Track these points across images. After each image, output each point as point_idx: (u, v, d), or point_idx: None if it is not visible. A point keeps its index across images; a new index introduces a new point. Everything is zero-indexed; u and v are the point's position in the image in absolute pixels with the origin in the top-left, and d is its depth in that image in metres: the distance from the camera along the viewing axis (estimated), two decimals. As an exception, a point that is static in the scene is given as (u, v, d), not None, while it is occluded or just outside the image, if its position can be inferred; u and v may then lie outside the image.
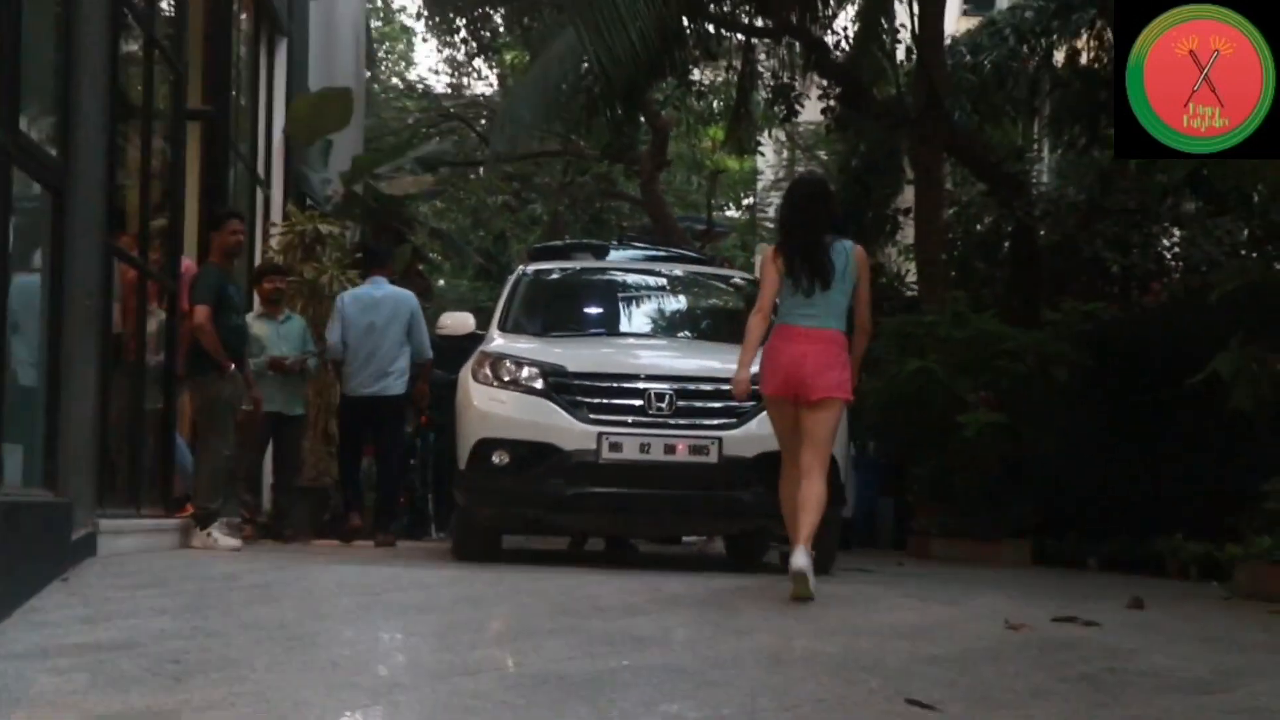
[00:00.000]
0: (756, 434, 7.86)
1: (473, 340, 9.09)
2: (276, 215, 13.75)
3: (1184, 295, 14.03)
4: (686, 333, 9.76)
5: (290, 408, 10.77)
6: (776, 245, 6.92)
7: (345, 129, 14.80)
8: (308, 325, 11.27)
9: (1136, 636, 5.35)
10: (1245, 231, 13.98)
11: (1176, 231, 15.05)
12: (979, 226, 17.25)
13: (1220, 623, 6.00)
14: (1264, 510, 7.61)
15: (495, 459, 8.00)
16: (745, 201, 31.14)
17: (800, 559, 6.13)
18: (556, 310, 10.03)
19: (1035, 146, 18.99)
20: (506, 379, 8.16)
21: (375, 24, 29.36)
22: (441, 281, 28.27)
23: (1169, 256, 15.10)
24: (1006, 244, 16.35)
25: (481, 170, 23.90)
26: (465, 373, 8.50)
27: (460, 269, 28.09)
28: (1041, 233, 15.43)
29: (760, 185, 29.10)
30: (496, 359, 8.29)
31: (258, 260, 12.73)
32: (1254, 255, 12.87)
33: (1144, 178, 14.33)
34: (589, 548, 11.49)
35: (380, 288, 10.78)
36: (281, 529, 10.68)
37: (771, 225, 27.90)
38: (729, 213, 31.04)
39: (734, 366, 8.25)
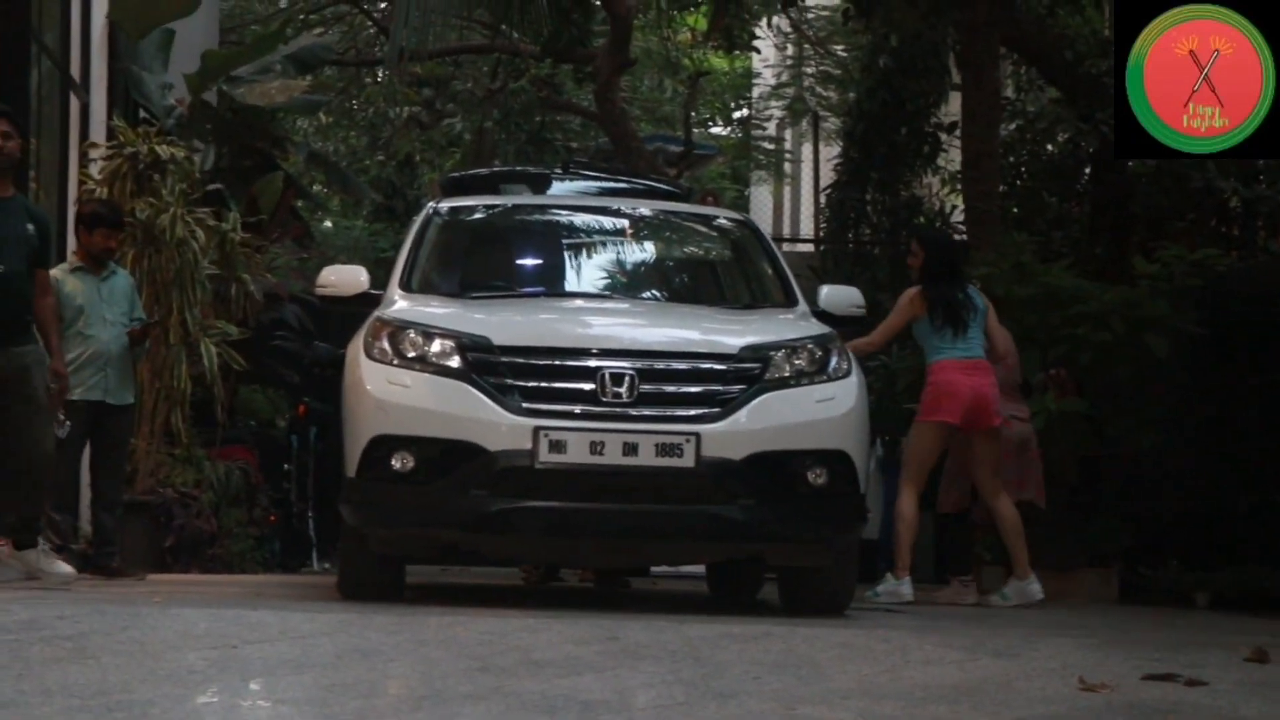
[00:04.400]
0: (746, 428, 7.86)
1: (366, 303, 9.06)
2: (99, 133, 13.67)
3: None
4: (654, 293, 9.75)
5: (118, 395, 10.72)
6: (920, 291, 10.47)
7: (192, 15, 14.72)
8: (135, 284, 11.25)
9: (1258, 700, 5.37)
10: None
11: (1318, 153, 15.11)
12: (1050, 147, 17.28)
13: (1369, 679, 6.03)
14: None
15: (396, 463, 7.97)
16: (736, 114, 31.13)
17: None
18: (479, 262, 9.98)
19: (1126, 39, 18.98)
20: (411, 355, 8.13)
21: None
22: (327, 224, 28.19)
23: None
24: (1086, 171, 16.38)
25: (381, 72, 23.80)
26: (355, 347, 8.47)
27: (352, 206, 28.00)
28: (1134, 155, 15.44)
29: (756, 93, 29.09)
30: (398, 329, 8.27)
31: (72, 194, 12.64)
32: None
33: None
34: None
35: None
36: (106, 559, 10.64)
37: (770, 145, 27.95)
38: (714, 129, 31.02)
39: (718, 337, 8.32)
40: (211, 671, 5.40)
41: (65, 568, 9.37)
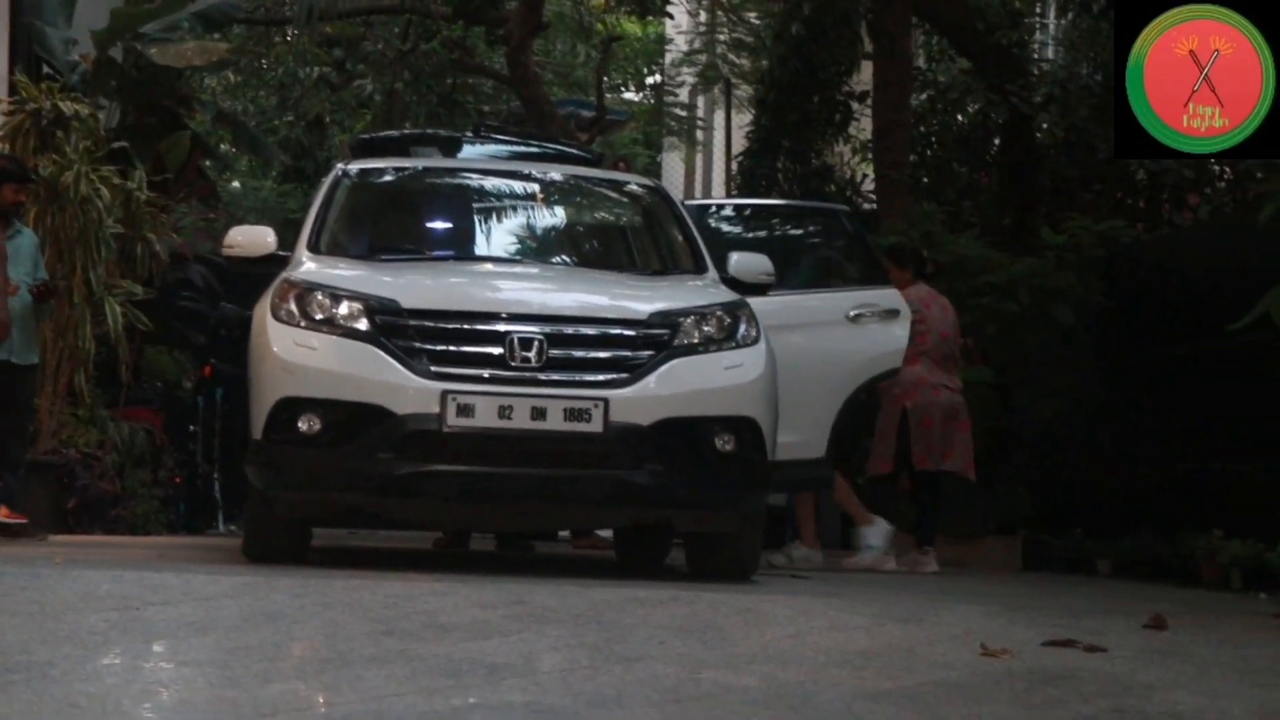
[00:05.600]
0: (655, 394, 7.88)
1: (274, 264, 9.01)
2: (0, 88, 13.52)
3: (1231, 212, 14.27)
4: (565, 258, 9.76)
5: (22, 354, 10.63)
6: None
7: (98, -29, 14.58)
8: (39, 243, 11.17)
9: (1155, 667, 5.44)
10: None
11: (1222, 126, 15.27)
12: (960, 117, 17.39)
13: (1267, 649, 6.13)
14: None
15: (302, 425, 7.94)
16: (649, 80, 31.11)
17: None
18: (388, 225, 9.95)
19: (1037, 9, 19.12)
20: (318, 317, 8.10)
21: None
22: (235, 184, 27.98)
23: (1212, 159, 15.31)
24: (996, 141, 16.48)
25: (290, 32, 23.63)
26: (262, 309, 8.43)
27: (261, 167, 27.81)
28: (1044, 126, 15.57)
29: (669, 59, 29.08)
30: (305, 290, 8.23)
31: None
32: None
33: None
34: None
35: None
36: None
37: (682, 112, 27.94)
38: (627, 95, 30.99)
39: (628, 303, 8.34)
40: (113, 633, 5.38)
41: None
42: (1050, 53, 18.96)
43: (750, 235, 11.00)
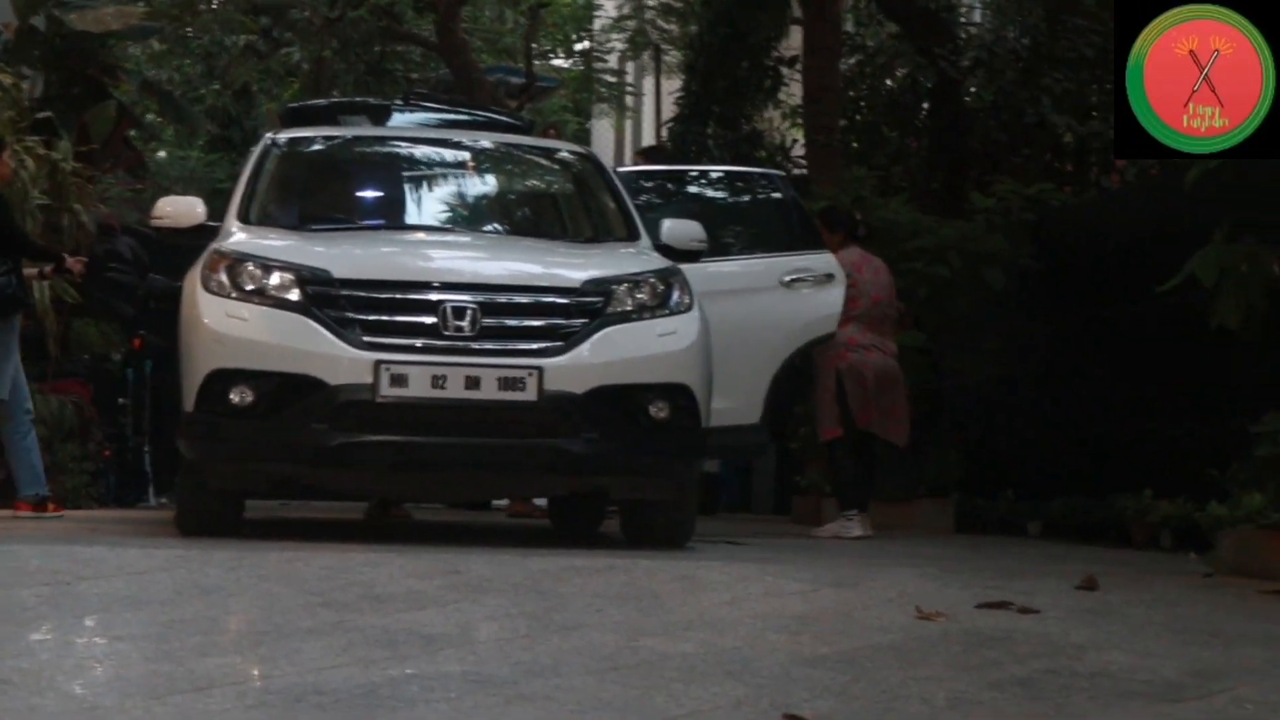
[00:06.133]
0: (589, 362, 7.89)
1: (203, 235, 8.96)
2: (-78, 60, 13.40)
3: (1159, 175, 14.35)
4: (496, 226, 9.74)
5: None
6: None
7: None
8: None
9: (1088, 627, 5.49)
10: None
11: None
12: (888, 82, 17.42)
13: (1197, 607, 6.19)
14: (1256, 459, 7.84)
15: (234, 397, 7.92)
16: (578, 47, 31.05)
17: None
18: (318, 194, 9.91)
19: (964, -26, 19.13)
20: (249, 288, 8.07)
21: None
22: (162, 154, 27.82)
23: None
24: (925, 105, 16.53)
25: (215, -1, 23.47)
26: (193, 280, 8.39)
27: (187, 136, 27.64)
28: (972, 90, 15.62)
29: (597, 25, 29.02)
30: (236, 261, 8.20)
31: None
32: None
33: (1106, 16, 14.56)
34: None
35: None
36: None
37: (611, 78, 27.93)
38: (556, 61, 30.92)
39: (560, 271, 8.33)
40: (44, 609, 5.35)
41: None
42: (978, 16, 19.02)
43: (684, 201, 10.98)
